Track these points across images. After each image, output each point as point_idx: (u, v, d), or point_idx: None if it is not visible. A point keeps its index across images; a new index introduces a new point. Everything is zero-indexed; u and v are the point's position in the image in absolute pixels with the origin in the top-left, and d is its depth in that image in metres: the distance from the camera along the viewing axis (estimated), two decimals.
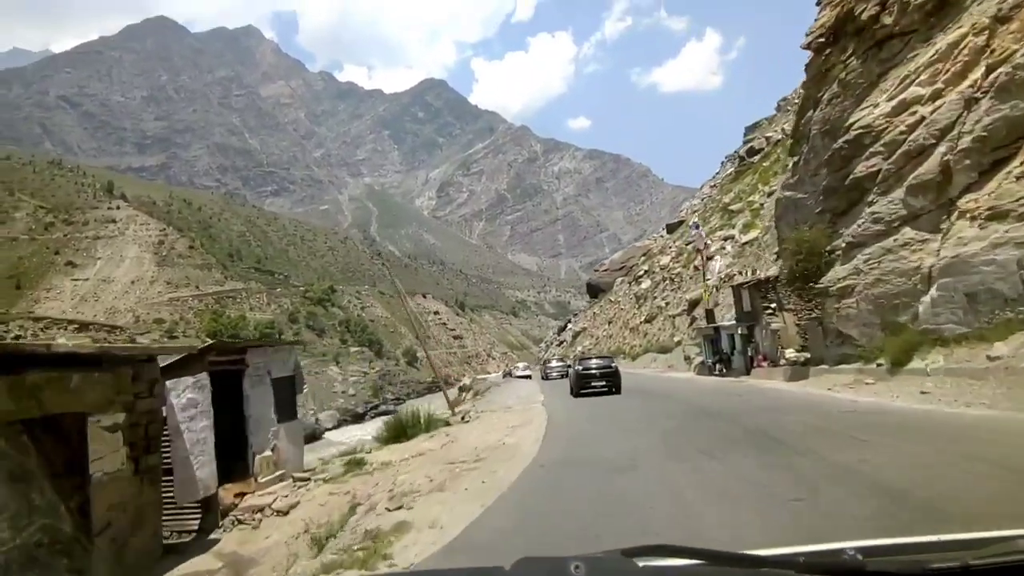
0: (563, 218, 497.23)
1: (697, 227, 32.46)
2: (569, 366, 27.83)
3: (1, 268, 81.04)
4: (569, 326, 51.79)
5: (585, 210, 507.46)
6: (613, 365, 23.25)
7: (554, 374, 38.73)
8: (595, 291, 47.29)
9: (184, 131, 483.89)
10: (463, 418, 19.14)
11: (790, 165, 21.69)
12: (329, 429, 40.13)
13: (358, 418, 46.49)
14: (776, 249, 24.93)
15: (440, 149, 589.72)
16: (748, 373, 26.36)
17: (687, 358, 34.58)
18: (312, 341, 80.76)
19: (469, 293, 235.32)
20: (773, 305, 25.00)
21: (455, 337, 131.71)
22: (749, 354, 27.07)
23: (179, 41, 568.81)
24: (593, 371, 22.40)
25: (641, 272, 34.80)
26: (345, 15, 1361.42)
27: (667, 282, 28.04)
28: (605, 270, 47.76)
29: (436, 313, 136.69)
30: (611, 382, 21.98)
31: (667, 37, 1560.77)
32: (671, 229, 43.93)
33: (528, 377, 54.47)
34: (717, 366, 29.82)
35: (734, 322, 29.19)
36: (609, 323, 34.40)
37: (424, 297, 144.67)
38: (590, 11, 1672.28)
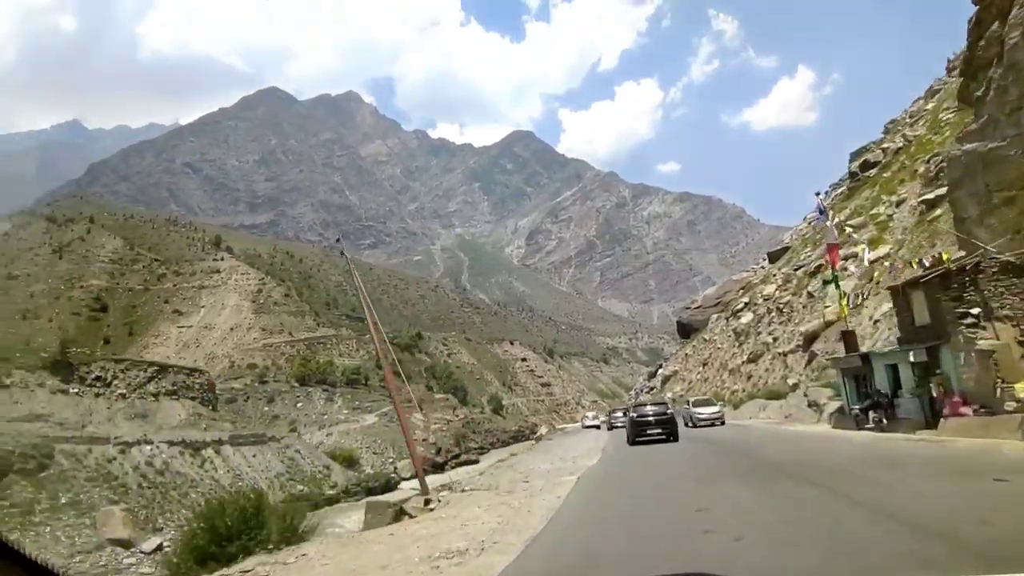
0: (654, 263, 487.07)
1: (822, 212, 26.54)
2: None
3: (118, 316, 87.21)
4: (660, 371, 47.54)
5: (677, 254, 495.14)
6: (669, 412, 22.89)
7: (619, 423, 37.47)
8: (687, 331, 42.92)
9: (291, 190, 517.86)
10: (427, 504, 14.93)
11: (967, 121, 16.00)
12: (406, 479, 38.00)
13: (438, 468, 44.10)
14: (928, 244, 19.91)
15: (528, 198, 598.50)
16: (931, 425, 18.48)
17: (813, 404, 27.41)
18: (398, 388, 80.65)
19: (559, 340, 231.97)
20: (975, 311, 16.47)
21: (543, 384, 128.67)
22: (932, 394, 18.95)
23: (287, 109, 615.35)
24: (649, 418, 21.60)
25: (740, 306, 30.31)
26: (437, 78, 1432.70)
27: (773, 314, 23.37)
28: (698, 307, 43.29)
29: (523, 360, 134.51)
30: (667, 429, 21.17)
31: (757, 77, 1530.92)
32: (773, 258, 39.48)
33: (597, 427, 50.80)
34: (870, 415, 21.84)
35: (897, 346, 21.23)
36: (704, 365, 30.38)
37: (511, 344, 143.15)
38: (676, 57, 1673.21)
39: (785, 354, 21.85)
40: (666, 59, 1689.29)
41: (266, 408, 59.60)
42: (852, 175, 33.64)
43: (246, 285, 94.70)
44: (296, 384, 64.73)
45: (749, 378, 22.75)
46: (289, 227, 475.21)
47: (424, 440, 53.27)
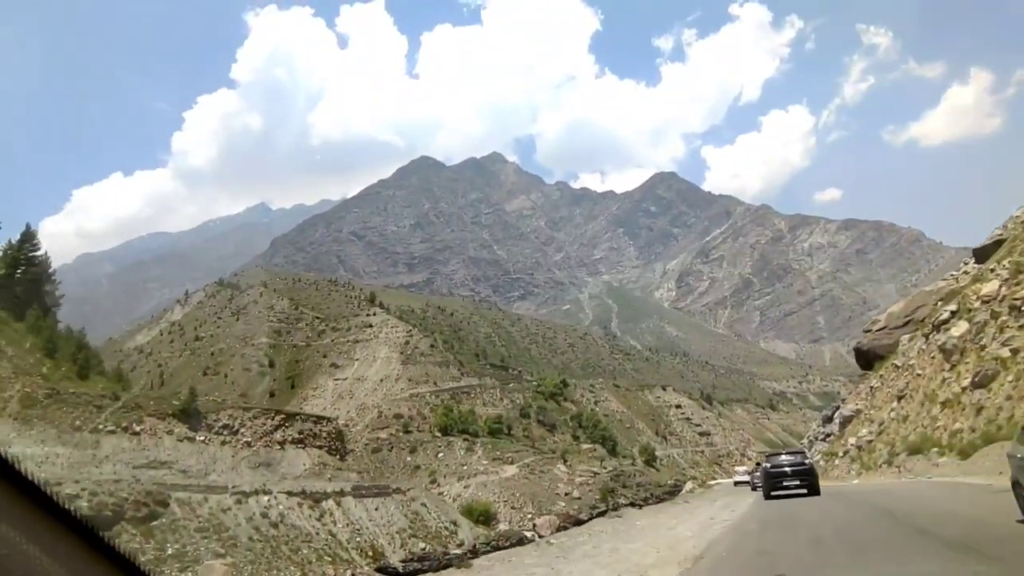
0: (820, 298, 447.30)
1: None
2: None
3: (283, 370, 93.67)
4: (838, 412, 40.01)
5: (846, 287, 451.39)
6: (808, 462, 21.56)
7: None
8: (869, 359, 35.23)
9: (443, 249, 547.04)
10: None
11: None
12: (543, 536, 34.12)
13: (579, 524, 39.76)
14: None
15: (676, 240, 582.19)
16: None
17: None
18: (542, 437, 77.44)
19: (717, 385, 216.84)
20: None
21: (701, 434, 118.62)
22: None
23: (438, 174, 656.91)
24: (784, 468, 20.60)
25: (945, 315, 23.30)
26: (576, 130, 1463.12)
27: (1005, 318, 16.99)
28: (882, 328, 35.27)
29: (678, 407, 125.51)
30: (806, 481, 19.94)
31: (921, 87, 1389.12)
32: (983, 256, 31.49)
33: (747, 482, 44.07)
34: None
35: None
36: (899, 399, 23.58)
37: (664, 389, 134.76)
38: (824, 79, 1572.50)
39: None
40: (814, 83, 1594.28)
41: (408, 458, 59.12)
42: None
43: (395, 338, 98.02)
44: (439, 434, 63.98)
45: (980, 411, 15.98)
46: (443, 284, 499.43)
47: (567, 494, 49.33)
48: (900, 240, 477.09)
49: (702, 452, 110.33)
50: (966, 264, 36.53)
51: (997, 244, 28.78)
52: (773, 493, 20.77)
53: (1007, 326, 16.87)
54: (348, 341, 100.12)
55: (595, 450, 73.23)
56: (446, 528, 32.25)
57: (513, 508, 44.90)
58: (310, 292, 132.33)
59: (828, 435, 43.54)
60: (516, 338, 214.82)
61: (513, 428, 73.24)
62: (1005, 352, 16.12)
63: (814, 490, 19.98)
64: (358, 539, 28.83)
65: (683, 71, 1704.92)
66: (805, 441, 68.76)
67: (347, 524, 29.20)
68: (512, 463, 57.58)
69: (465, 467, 54.83)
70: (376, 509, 31.34)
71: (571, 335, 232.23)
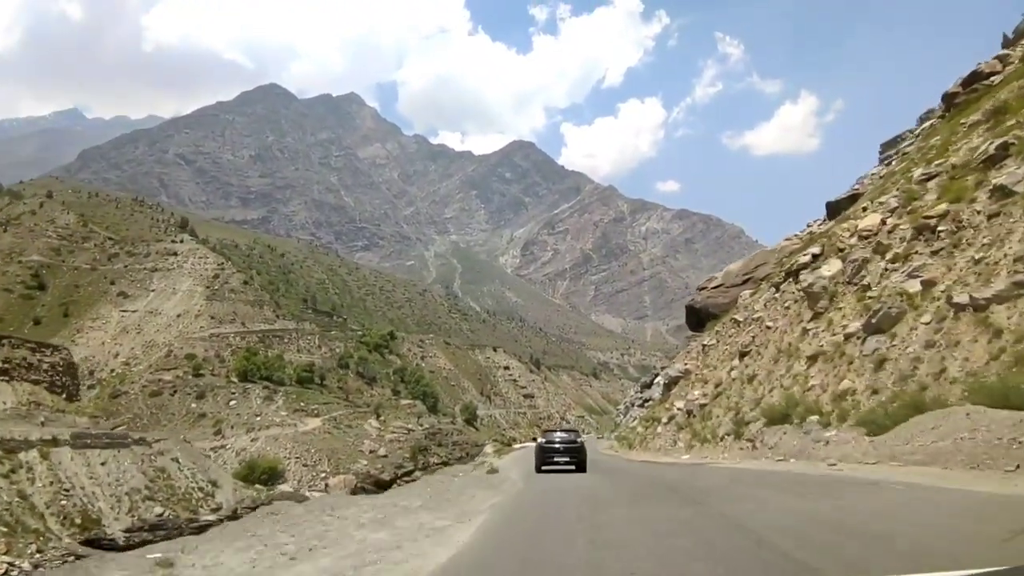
0: (650, 279, 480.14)
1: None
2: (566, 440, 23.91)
3: (55, 296, 78.70)
4: (659, 378, 39.15)
5: (673, 272, 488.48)
6: (579, 440, 23.02)
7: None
8: (701, 318, 33.68)
9: (285, 187, 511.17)
10: None
11: None
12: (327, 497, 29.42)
13: (382, 486, 35.49)
14: None
15: (526, 209, 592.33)
16: None
17: None
18: (359, 390, 72.16)
19: (548, 352, 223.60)
20: None
21: (526, 396, 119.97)
22: None
23: (287, 106, 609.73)
24: (556, 445, 21.94)
25: (806, 258, 20.97)
26: (442, 85, 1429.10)
27: (901, 248, 14.24)
28: (718, 286, 33.96)
29: (506, 368, 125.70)
30: (575, 458, 21.23)
31: (760, 100, 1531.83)
32: (836, 210, 30.68)
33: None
34: None
35: None
36: (742, 356, 21.50)
37: (495, 351, 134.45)
38: (680, 77, 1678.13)
39: (985, 304, 11.66)
40: (671, 79, 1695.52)
41: (194, 405, 51.22)
42: (948, 103, 25.36)
43: (203, 270, 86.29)
44: (235, 380, 56.32)
45: (882, 364, 12.63)
46: (281, 224, 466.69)
47: (372, 452, 44.90)
48: (724, 234, 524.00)
49: (524, 414, 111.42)
50: (813, 224, 36.29)
51: (853, 198, 28.20)
52: (544, 467, 21.48)
53: (914, 253, 14.35)
54: (145, 269, 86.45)
55: (415, 406, 69.49)
56: (200, 489, 26.31)
57: (306, 466, 39.56)
58: (108, 210, 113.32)
59: (646, 400, 42.92)
60: (352, 287, 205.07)
61: (327, 379, 67.12)
62: (914, 285, 13.43)
63: (581, 467, 20.96)
64: (64, 502, 22.10)
65: (554, 44, 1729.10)
66: (621, 407, 69.66)
67: (52, 483, 22.38)
68: (317, 416, 51.96)
69: (259, 418, 48.24)
70: (103, 464, 24.65)
71: (410, 290, 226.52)
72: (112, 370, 61.35)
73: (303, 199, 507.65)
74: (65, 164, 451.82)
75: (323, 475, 38.77)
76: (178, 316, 75.11)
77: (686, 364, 32.06)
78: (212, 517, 24.07)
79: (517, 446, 53.50)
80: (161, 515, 24.19)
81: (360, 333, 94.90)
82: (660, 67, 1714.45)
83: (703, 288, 34.03)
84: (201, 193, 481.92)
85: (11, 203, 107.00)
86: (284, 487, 34.13)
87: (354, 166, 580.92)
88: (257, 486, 32.87)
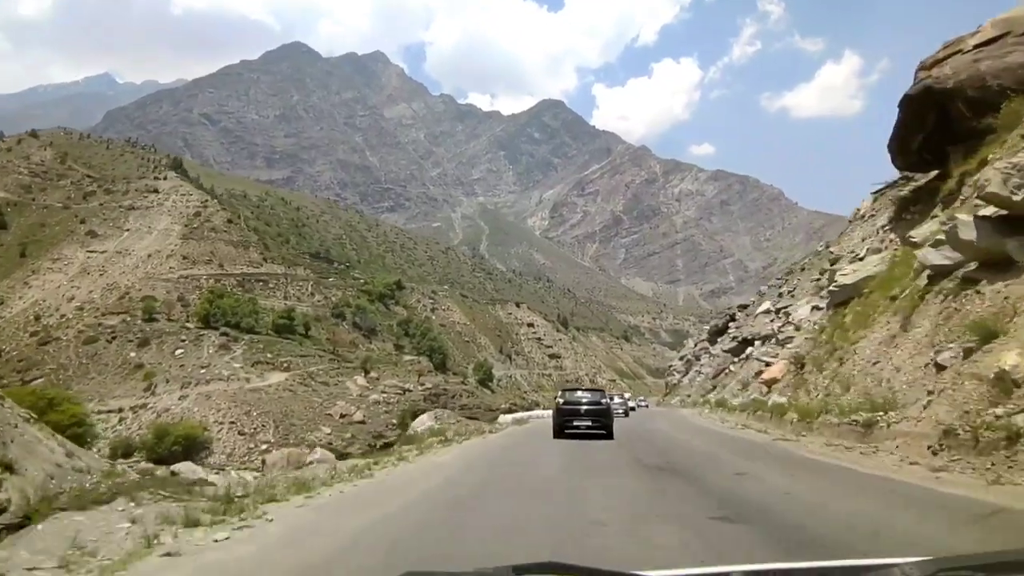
0: (683, 242, 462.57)
1: None
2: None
3: (17, 235, 69.73)
4: (741, 314, 27.89)
5: (708, 234, 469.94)
6: (604, 401, 20.53)
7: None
8: (942, 129, 16.99)
9: (310, 148, 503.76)
10: None
11: None
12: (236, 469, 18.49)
13: (344, 458, 23.97)
14: None
15: (556, 170, 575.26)
16: None
17: None
18: (354, 342, 61.80)
19: (577, 313, 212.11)
20: None
21: (551, 356, 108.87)
22: None
23: (312, 65, 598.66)
24: (578, 407, 19.54)
25: None
26: (470, 46, 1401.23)
27: None
28: (995, 40, 17.16)
29: (530, 325, 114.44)
30: (599, 421, 19.03)
31: (800, 60, 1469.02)
32: None
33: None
34: None
35: None
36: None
37: (517, 306, 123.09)
38: (717, 36, 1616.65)
39: None
40: (707, 38, 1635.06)
41: (132, 354, 41.24)
42: None
43: (183, 208, 76.36)
44: (191, 326, 46.31)
45: None
46: (306, 184, 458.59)
47: (343, 416, 34.09)
48: (762, 196, 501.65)
49: (549, 375, 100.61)
50: None
51: None
52: (565, 431, 19.02)
53: None
54: (120, 207, 76.81)
55: (419, 362, 59.12)
56: None
57: (242, 434, 29.17)
58: (97, 151, 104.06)
59: (736, 352, 31.93)
60: (371, 244, 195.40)
61: (314, 329, 56.96)
62: None
63: (608, 432, 18.83)
64: None
65: (586, 1, 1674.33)
66: (678, 362, 58.98)
67: None
68: (286, 369, 41.51)
69: (204, 371, 38.06)
70: None
71: (432, 248, 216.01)
72: (63, 315, 52.22)
73: (328, 159, 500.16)
74: (91, 127, 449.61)
75: (265, 445, 28.22)
76: (148, 256, 65.51)
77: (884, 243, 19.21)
78: None
79: (507, 420, 34.43)
80: None
81: (362, 281, 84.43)
82: (696, 25, 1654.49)
83: (947, 55, 15.78)
84: (226, 153, 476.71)
85: None
86: (187, 465, 23.44)
87: (380, 126, 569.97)
88: (143, 464, 22.30)
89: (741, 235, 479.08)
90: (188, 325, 46.88)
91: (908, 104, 17.62)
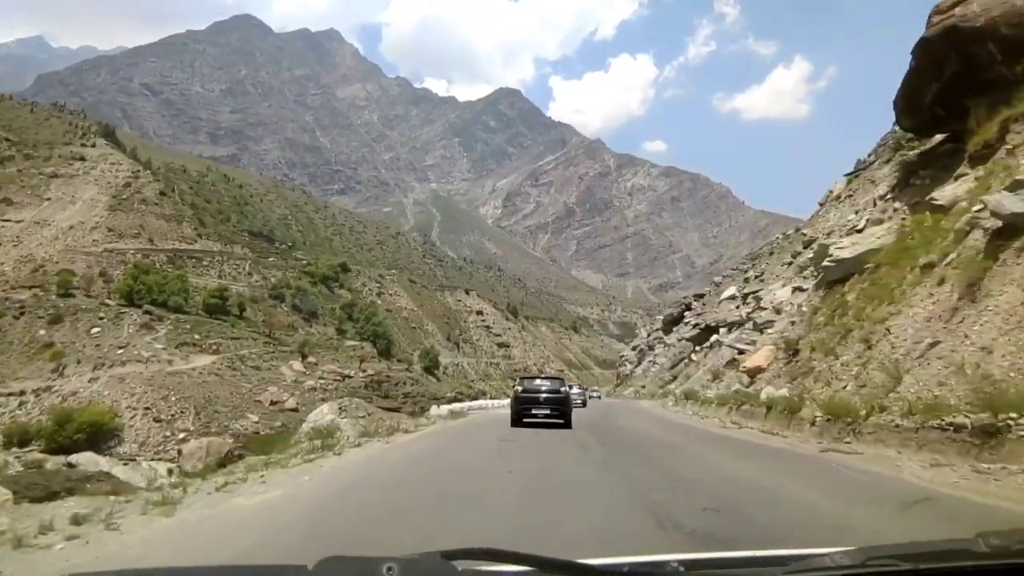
0: (633, 236, 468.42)
1: None
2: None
3: None
4: (698, 303, 26.73)
5: (658, 229, 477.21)
6: (563, 390, 20.05)
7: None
8: (962, 77, 16.70)
9: (257, 125, 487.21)
10: None
11: None
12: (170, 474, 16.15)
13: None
14: None
15: (510, 159, 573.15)
16: None
17: None
18: (292, 325, 59.01)
19: (526, 303, 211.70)
20: None
21: (500, 345, 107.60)
22: None
23: (263, 39, 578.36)
24: (537, 395, 19.08)
25: None
26: (428, 29, 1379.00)
27: None
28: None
29: (479, 313, 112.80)
30: (558, 410, 18.57)
31: (753, 63, 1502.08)
32: None
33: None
34: None
35: None
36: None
37: (466, 293, 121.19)
38: (674, 34, 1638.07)
39: None
40: (664, 36, 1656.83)
41: (42, 332, 37.78)
42: None
43: (112, 178, 71.37)
44: (113, 303, 42.91)
45: None
46: (252, 162, 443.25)
47: (274, 403, 31.85)
48: (711, 194, 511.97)
49: (497, 364, 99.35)
50: None
51: None
52: (523, 419, 18.52)
53: None
54: (41, 174, 71.05)
55: (361, 348, 56.79)
56: None
57: (158, 421, 26.67)
58: (19, 114, 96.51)
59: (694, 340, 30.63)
60: (318, 226, 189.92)
61: (249, 310, 53.96)
62: None
63: (566, 420, 18.38)
64: None
65: None
66: (629, 353, 57.90)
67: None
68: (215, 352, 38.77)
69: (122, 351, 35.11)
70: None
71: (382, 232, 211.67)
72: None
73: (276, 138, 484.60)
74: (20, 92, 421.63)
75: (184, 434, 25.85)
76: (70, 228, 60.77)
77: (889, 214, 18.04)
78: None
79: (441, 413, 29.83)
80: None
81: (305, 262, 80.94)
82: (654, 22, 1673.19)
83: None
84: (167, 126, 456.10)
85: None
86: (89, 456, 20.97)
87: (332, 106, 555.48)
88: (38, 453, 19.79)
89: (690, 231, 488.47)
90: (108, 302, 43.33)
91: (924, 49, 15.98)
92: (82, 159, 74.54)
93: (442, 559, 1.35)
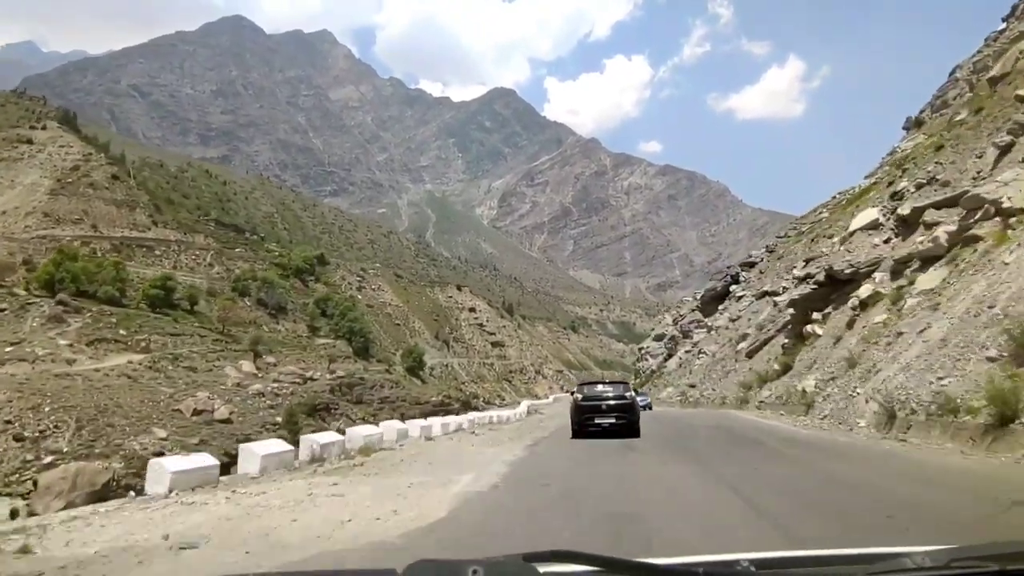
0: (630, 235, 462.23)
1: None
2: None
3: None
4: (749, 273, 19.24)
5: (655, 228, 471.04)
6: (629, 395, 18.60)
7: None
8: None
9: (248, 126, 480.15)
10: None
11: None
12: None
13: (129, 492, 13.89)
14: None
15: (505, 159, 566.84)
16: None
17: None
18: (254, 321, 52.00)
19: (523, 303, 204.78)
20: None
21: (494, 344, 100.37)
22: None
23: (254, 40, 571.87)
24: (599, 403, 17.65)
25: None
26: (422, 31, 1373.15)
27: None
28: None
29: (472, 310, 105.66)
30: (625, 418, 17.18)
31: (747, 63, 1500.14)
32: None
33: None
34: None
35: None
36: None
37: (458, 289, 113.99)
38: (668, 35, 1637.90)
39: None
40: (659, 37, 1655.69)
41: None
42: None
43: (60, 161, 64.43)
44: (22, 293, 36.06)
45: None
46: (243, 164, 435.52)
47: (200, 412, 24.79)
48: (708, 192, 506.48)
49: (491, 365, 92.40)
50: None
51: None
52: (586, 428, 17.35)
53: None
54: None
55: (334, 347, 49.97)
56: None
57: (20, 439, 19.82)
58: None
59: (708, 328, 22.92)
60: (306, 225, 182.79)
61: (202, 303, 47.13)
62: None
63: (634, 430, 17.08)
64: None
65: None
66: (648, 345, 50.30)
67: None
68: (144, 350, 31.79)
69: (12, 348, 28.19)
70: None
71: (374, 231, 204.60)
72: None
73: (268, 139, 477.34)
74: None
75: (49, 458, 18.82)
76: (3, 213, 53.90)
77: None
78: None
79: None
80: None
81: (276, 254, 73.84)
82: (648, 23, 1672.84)
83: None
84: (156, 128, 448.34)
85: None
86: None
87: (324, 107, 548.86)
88: None
89: (687, 230, 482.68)
90: (17, 291, 36.54)
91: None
92: (29, 142, 67.52)
93: (523, 561, 1.39)
